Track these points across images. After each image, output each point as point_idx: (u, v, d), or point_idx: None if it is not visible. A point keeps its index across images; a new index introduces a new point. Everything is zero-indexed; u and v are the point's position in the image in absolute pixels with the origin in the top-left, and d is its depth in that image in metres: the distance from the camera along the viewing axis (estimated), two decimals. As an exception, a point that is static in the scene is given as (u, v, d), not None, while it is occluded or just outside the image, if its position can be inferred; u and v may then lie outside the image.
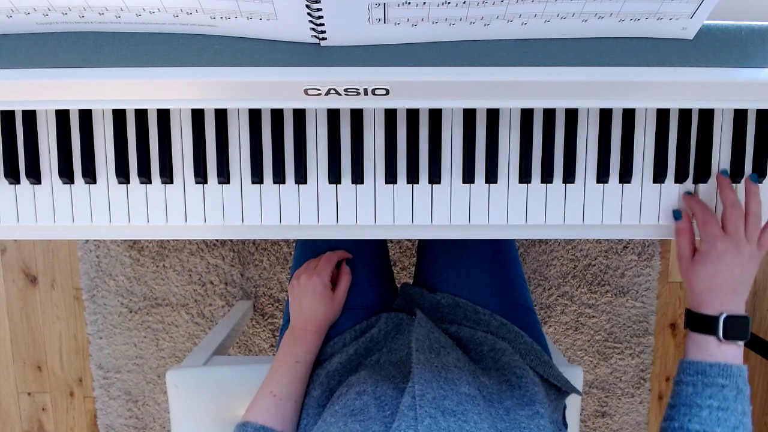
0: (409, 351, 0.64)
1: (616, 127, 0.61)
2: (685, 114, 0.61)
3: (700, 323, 0.58)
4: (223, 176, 0.61)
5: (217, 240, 1.46)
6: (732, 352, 0.56)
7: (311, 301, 0.73)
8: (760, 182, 0.61)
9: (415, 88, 0.53)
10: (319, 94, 0.53)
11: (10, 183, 0.61)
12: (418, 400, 0.51)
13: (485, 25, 0.50)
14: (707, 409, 0.54)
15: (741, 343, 0.56)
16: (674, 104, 0.57)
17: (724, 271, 0.57)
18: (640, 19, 0.50)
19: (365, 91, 0.52)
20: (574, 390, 0.71)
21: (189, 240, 1.46)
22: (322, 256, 0.78)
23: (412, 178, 0.61)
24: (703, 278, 0.58)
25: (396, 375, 0.60)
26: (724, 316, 0.56)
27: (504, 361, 0.66)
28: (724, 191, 0.60)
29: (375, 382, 0.58)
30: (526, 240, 1.48)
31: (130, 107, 0.59)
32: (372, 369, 0.64)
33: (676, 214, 0.62)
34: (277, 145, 0.61)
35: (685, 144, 0.61)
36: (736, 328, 0.56)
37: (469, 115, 0.60)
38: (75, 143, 0.61)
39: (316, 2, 0.45)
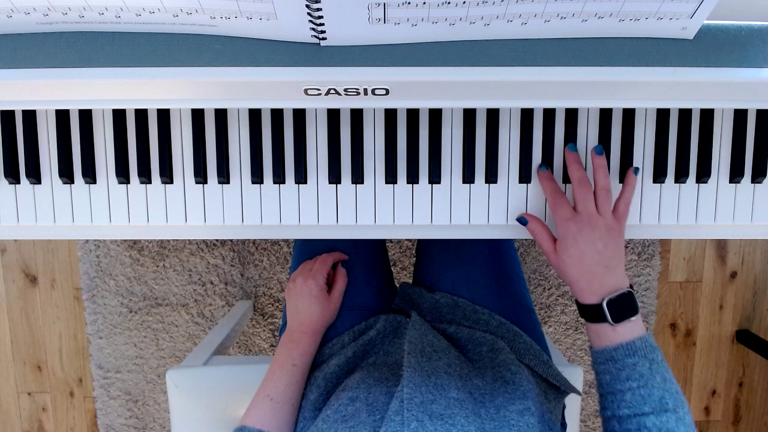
0: (403, 354, 0.64)
1: (616, 127, 0.61)
2: (685, 114, 0.61)
3: (589, 313, 0.57)
4: (223, 176, 0.61)
5: (217, 240, 1.46)
6: (629, 329, 0.55)
7: (307, 303, 0.73)
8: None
9: (415, 88, 0.53)
10: (319, 94, 0.53)
11: (10, 183, 0.61)
12: (406, 404, 0.51)
13: (485, 25, 0.50)
14: (629, 392, 0.53)
15: (634, 318, 0.55)
16: (674, 104, 0.57)
17: (586, 250, 0.56)
18: (640, 19, 0.50)
19: (365, 91, 0.52)
20: (574, 390, 0.70)
21: (189, 240, 1.46)
22: (317, 258, 0.78)
23: (412, 178, 0.61)
24: (572, 264, 0.57)
25: (389, 377, 0.60)
26: (605, 301, 0.55)
27: (500, 359, 0.66)
28: (571, 168, 0.59)
29: (368, 386, 0.58)
30: (526, 240, 1.48)
31: (130, 107, 0.59)
32: (366, 371, 0.64)
33: (522, 221, 0.61)
34: (277, 145, 0.60)
35: (685, 144, 0.61)
36: (622, 308, 0.55)
37: (469, 115, 0.60)
38: (75, 143, 0.61)
39: (316, 2, 0.45)
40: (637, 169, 0.61)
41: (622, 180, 0.62)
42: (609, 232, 0.56)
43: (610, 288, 0.56)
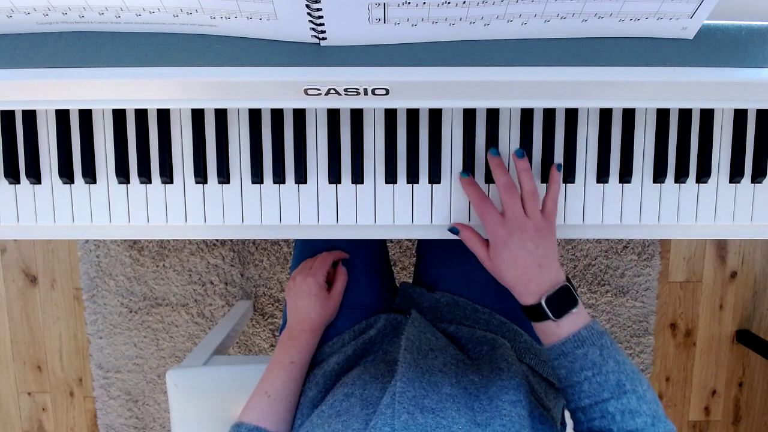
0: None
1: (616, 127, 0.61)
2: (685, 114, 0.61)
3: (532, 313, 0.57)
4: (223, 176, 0.61)
5: (217, 240, 1.46)
6: (573, 321, 0.55)
7: (306, 301, 0.73)
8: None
9: (415, 88, 0.53)
10: (319, 94, 0.53)
11: (10, 183, 0.61)
12: (398, 397, 0.52)
13: (485, 25, 0.50)
14: (586, 382, 0.53)
15: (575, 309, 0.55)
16: (674, 104, 0.57)
17: (518, 253, 0.56)
18: (640, 19, 0.50)
19: (365, 91, 0.52)
20: (574, 390, 0.70)
21: (189, 240, 1.46)
22: (318, 257, 0.78)
23: (412, 178, 0.61)
24: (507, 269, 0.57)
25: (385, 374, 0.60)
26: (543, 299, 0.55)
27: (498, 353, 0.66)
28: (495, 173, 0.59)
29: (363, 383, 0.59)
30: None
31: (130, 107, 0.59)
32: (363, 368, 0.64)
33: (454, 231, 0.62)
34: (277, 145, 0.60)
35: (685, 144, 0.61)
36: (560, 303, 0.55)
37: (469, 115, 0.60)
38: (75, 143, 0.61)
39: (316, 2, 0.45)
40: (560, 165, 0.61)
41: (622, 180, 0.62)
42: (538, 232, 0.57)
43: (547, 285, 0.56)
